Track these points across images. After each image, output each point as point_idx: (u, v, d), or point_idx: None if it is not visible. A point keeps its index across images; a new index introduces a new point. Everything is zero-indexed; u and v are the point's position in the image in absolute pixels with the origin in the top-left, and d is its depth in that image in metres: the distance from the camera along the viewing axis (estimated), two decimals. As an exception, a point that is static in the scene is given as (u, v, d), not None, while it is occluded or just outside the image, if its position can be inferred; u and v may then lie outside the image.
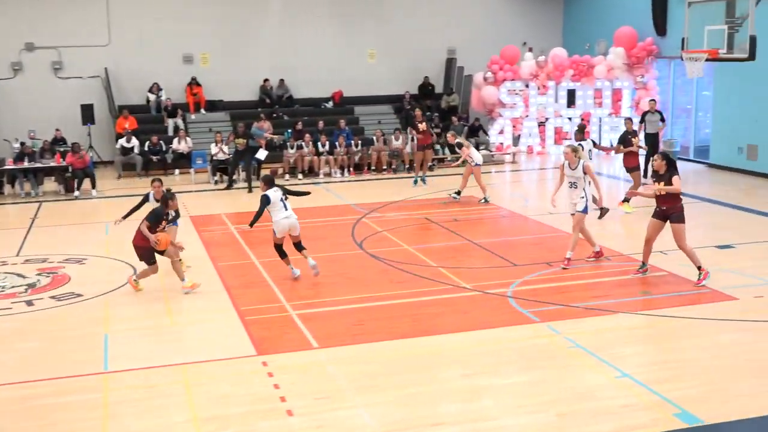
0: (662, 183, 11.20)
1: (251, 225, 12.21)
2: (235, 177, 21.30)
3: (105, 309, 11.12)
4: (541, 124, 25.36)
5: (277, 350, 9.40)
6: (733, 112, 21.16)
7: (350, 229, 15.73)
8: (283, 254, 12.33)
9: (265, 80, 26.09)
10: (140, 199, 13.01)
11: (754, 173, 20.32)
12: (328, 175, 22.60)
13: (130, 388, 8.46)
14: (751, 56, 14.31)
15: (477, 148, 24.20)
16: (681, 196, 11.34)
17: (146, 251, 11.66)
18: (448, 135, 19.48)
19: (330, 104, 26.72)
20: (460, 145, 18.29)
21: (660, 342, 9.43)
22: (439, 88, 27.74)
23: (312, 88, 26.71)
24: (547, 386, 8.23)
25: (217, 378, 8.65)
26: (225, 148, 21.77)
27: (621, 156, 16.99)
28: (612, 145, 19.76)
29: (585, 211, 12.59)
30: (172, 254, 11.72)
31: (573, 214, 12.75)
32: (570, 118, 25.04)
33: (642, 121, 20.22)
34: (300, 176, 22.22)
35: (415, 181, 20.40)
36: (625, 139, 16.63)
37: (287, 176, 22.16)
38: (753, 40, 14.14)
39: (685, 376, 8.39)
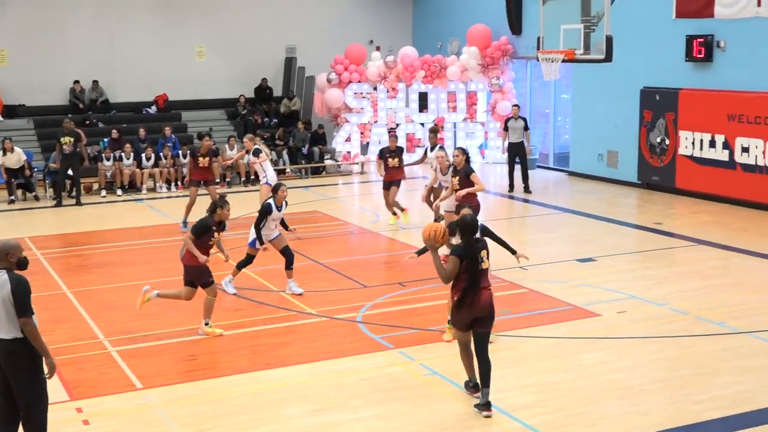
0: (457, 178, 13.26)
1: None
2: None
3: None
4: (392, 131, 25.79)
5: (94, 394, 9.14)
6: (592, 116, 22.31)
7: (178, 251, 15.45)
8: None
9: (76, 82, 25.34)
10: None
11: (616, 181, 21.50)
12: (152, 190, 22.19)
13: None
14: (608, 57, 15.08)
15: (321, 157, 24.61)
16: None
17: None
18: (245, 139, 17.92)
19: (153, 109, 26.25)
20: (257, 152, 16.89)
21: (521, 365, 9.80)
22: (278, 91, 27.79)
23: (132, 91, 26.18)
24: (402, 419, 8.41)
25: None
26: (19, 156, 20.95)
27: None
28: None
29: None
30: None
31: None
32: (422, 124, 25.65)
33: (505, 128, 20.93)
34: (119, 192, 21.70)
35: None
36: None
37: (104, 192, 21.59)
38: (609, 41, 14.91)
39: (548, 400, 8.78)
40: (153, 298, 11.06)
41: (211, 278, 10.97)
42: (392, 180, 16.97)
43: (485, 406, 8.41)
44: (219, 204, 11.11)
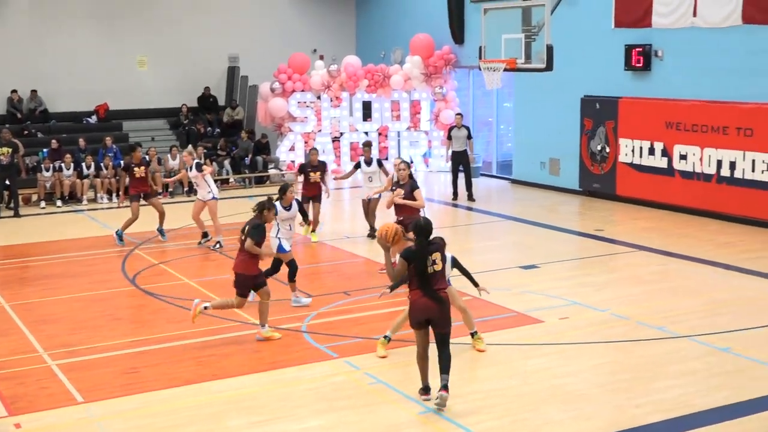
0: (402, 192, 13.04)
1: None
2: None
3: None
4: (336, 140, 25.83)
5: (33, 408, 8.96)
6: (534, 125, 22.55)
7: (120, 262, 15.31)
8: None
9: (13, 91, 24.90)
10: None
11: (557, 188, 21.74)
12: (93, 200, 21.91)
13: None
14: (549, 66, 15.26)
15: (265, 166, 24.53)
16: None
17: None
18: (184, 153, 17.35)
19: (94, 119, 25.91)
20: (200, 166, 16.29)
21: (465, 372, 9.84)
22: (221, 100, 27.63)
23: (72, 100, 25.82)
24: (347, 428, 8.39)
25: (-40, 446, 8.15)
26: None
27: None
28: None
29: None
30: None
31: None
32: (366, 133, 25.68)
33: (448, 137, 21.05)
34: (59, 203, 21.39)
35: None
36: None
37: (43, 203, 21.25)
38: (550, 50, 15.09)
39: (492, 406, 8.83)
40: (203, 311, 10.91)
41: (264, 280, 11.13)
42: (313, 195, 16.51)
43: (442, 387, 8.61)
44: (267, 206, 11.12)
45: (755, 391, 9.04)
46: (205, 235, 16.31)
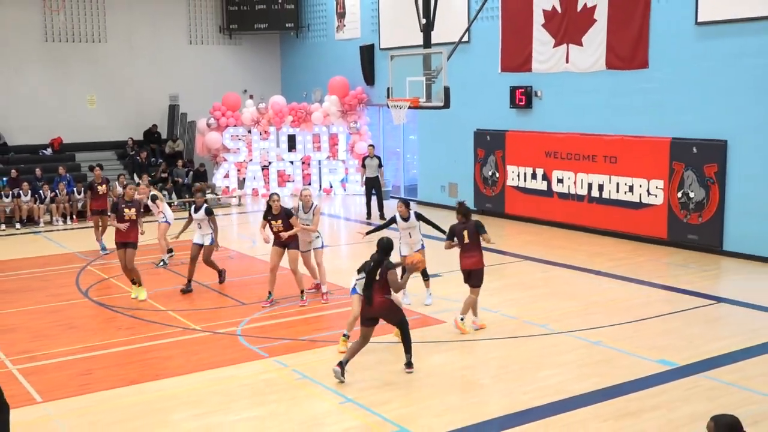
0: (280, 221, 12.42)
1: None
2: None
3: None
4: (265, 168, 25.72)
5: (-4, 409, 8.67)
6: (435, 154, 22.81)
7: (74, 277, 14.93)
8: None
9: (-25, 126, 24.15)
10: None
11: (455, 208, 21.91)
12: (50, 223, 21.32)
13: None
14: (446, 104, 15.48)
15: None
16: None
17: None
18: (142, 187, 16.61)
19: (49, 151, 25.24)
20: (154, 198, 15.79)
21: (379, 367, 9.86)
22: (164, 134, 27.22)
23: (28, 134, 25.10)
24: (277, 418, 8.35)
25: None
26: None
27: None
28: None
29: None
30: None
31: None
32: (292, 162, 25.64)
33: (362, 165, 21.14)
34: (18, 225, 20.76)
35: (103, 248, 17.09)
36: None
37: (3, 226, 20.59)
38: (447, 90, 15.31)
39: (402, 396, 8.88)
40: (461, 321, 11.06)
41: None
42: (126, 241, 13.03)
43: (407, 365, 9.52)
44: (464, 211, 11.58)
45: (620, 377, 9.30)
46: (169, 251, 16.05)
